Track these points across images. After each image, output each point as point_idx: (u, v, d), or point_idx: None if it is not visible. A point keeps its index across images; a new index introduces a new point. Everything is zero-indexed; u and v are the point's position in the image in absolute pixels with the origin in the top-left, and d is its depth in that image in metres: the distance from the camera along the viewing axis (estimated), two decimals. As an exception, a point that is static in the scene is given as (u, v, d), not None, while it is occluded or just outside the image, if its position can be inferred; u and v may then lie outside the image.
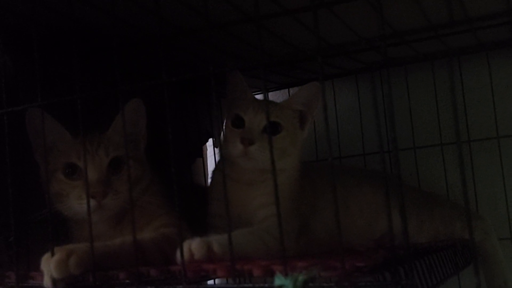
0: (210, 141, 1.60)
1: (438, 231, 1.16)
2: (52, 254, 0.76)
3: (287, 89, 1.57)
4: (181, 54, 1.20)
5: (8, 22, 0.97)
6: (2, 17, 0.94)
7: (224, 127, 1.10)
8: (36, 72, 0.74)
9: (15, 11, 0.91)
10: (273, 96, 1.60)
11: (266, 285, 0.62)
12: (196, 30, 1.00)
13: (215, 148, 1.55)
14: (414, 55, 1.28)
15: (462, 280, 1.31)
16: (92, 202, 0.89)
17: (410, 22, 1.03)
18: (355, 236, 1.15)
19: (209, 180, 1.17)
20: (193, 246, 0.77)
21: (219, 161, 1.17)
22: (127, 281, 0.72)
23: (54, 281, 0.75)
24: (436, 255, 0.96)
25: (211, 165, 1.58)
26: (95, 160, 0.94)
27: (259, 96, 1.60)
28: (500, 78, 1.42)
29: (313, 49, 1.12)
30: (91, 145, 0.96)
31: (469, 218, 0.62)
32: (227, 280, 0.74)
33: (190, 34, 1.06)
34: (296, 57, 1.25)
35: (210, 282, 1.04)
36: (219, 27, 1.03)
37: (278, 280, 0.61)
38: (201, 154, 1.56)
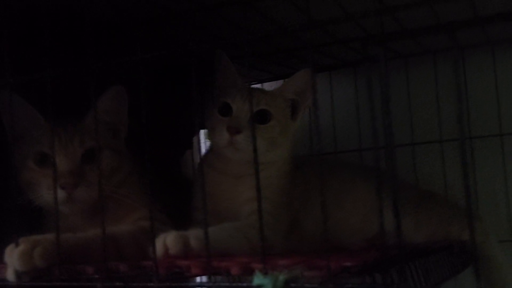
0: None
1: (435, 232, 1.10)
2: (17, 245, 0.70)
3: (282, 80, 1.51)
4: (171, 42, 1.14)
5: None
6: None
7: (211, 116, 1.04)
8: (4, 47, 0.69)
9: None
10: (268, 87, 1.54)
11: (245, 284, 0.57)
12: (183, 12, 0.94)
13: (206, 140, 1.49)
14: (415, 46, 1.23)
15: (460, 283, 1.25)
16: (62, 193, 0.85)
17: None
18: (349, 234, 1.10)
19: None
20: (168, 240, 0.71)
21: (205, 153, 1.11)
22: (96, 276, 0.66)
23: (18, 274, 0.70)
24: (432, 257, 0.90)
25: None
26: (68, 150, 0.89)
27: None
28: (506, 74, 1.36)
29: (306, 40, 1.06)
30: (65, 134, 0.90)
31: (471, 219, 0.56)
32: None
33: (177, 17, 1.00)
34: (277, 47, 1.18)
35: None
36: (209, 9, 0.97)
37: (257, 279, 0.56)
38: (192, 146, 1.50)
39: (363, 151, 1.40)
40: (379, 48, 0.57)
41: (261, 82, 1.54)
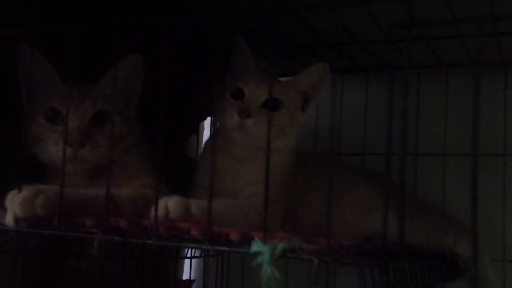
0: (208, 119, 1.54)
1: (429, 239, 1.10)
2: (19, 191, 0.71)
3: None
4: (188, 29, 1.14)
5: None
6: None
7: (223, 99, 1.04)
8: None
9: None
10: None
11: (242, 249, 0.57)
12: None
13: (212, 127, 1.50)
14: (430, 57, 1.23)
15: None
16: (68, 151, 0.85)
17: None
18: (343, 232, 1.10)
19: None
20: (170, 203, 0.71)
21: (213, 133, 1.12)
22: (94, 230, 0.66)
23: (17, 220, 0.70)
24: (423, 260, 0.91)
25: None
26: (78, 109, 0.90)
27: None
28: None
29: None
30: (78, 93, 0.91)
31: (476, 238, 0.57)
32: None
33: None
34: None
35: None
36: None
37: (256, 246, 0.56)
38: (197, 131, 1.51)
39: (366, 156, 1.41)
40: (404, 39, 0.58)
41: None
